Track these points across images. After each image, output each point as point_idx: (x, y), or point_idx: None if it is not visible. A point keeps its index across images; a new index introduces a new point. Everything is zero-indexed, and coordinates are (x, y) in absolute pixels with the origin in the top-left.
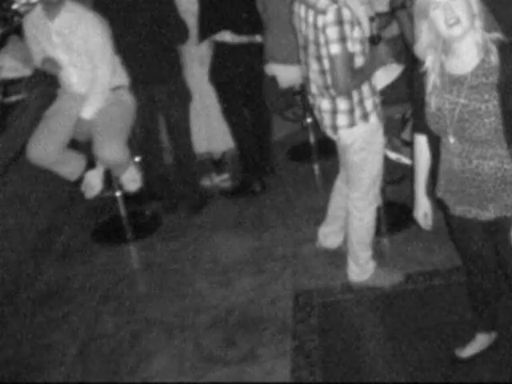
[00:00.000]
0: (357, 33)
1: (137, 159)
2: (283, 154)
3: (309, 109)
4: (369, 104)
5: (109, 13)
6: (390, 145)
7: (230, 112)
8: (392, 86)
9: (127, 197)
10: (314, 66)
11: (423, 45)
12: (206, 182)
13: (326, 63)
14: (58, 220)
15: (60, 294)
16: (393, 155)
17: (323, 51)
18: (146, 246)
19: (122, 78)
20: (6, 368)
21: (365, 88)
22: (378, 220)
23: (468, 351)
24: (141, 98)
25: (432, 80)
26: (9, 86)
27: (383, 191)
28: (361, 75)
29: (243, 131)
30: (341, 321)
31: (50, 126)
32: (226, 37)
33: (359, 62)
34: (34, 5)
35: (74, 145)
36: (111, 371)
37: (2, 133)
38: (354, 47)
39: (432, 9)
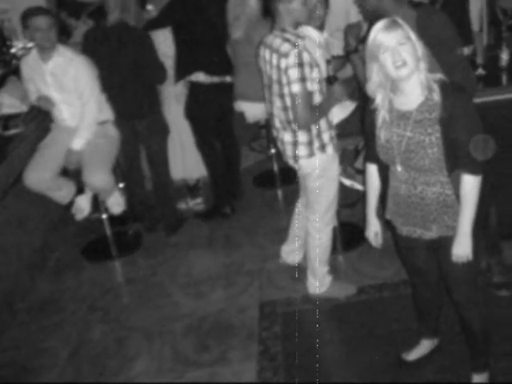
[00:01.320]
0: (315, 74)
1: (121, 185)
2: (250, 180)
3: (273, 141)
4: (326, 137)
5: (96, 56)
6: (345, 173)
7: (203, 144)
8: (346, 121)
9: (112, 218)
10: (278, 103)
11: (374, 84)
12: (181, 206)
13: (288, 100)
14: (52, 239)
15: (53, 304)
16: (347, 182)
17: (285, 90)
18: (129, 262)
19: (108, 114)
20: (6, 370)
21: (322, 122)
22: (334, 239)
23: (414, 355)
24: (124, 132)
25: (382, 115)
26: (8, 120)
27: (338, 213)
28: (319, 111)
29: (214, 160)
30: (301, 328)
31: (45, 155)
32: (200, 77)
33: (317, 99)
34: (30, 49)
35: (66, 172)
36: (98, 372)
37: (2, 161)
38: (313, 86)
39: (381, 52)
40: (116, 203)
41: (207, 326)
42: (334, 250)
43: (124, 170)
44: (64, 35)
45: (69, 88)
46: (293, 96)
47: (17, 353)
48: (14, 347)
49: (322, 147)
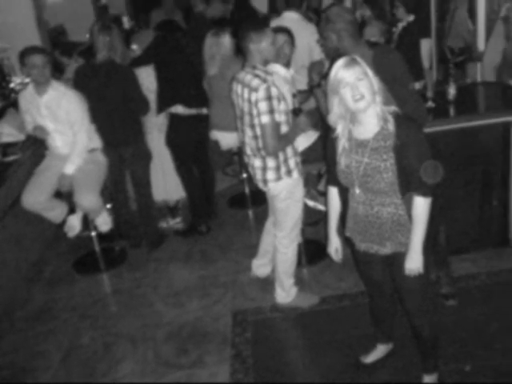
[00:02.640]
0: (282, 106)
1: (108, 206)
2: (224, 202)
3: (244, 166)
4: (292, 162)
5: (86, 90)
6: (309, 195)
7: (182, 169)
8: (310, 149)
9: (100, 236)
10: (249, 132)
11: (335, 116)
12: (163, 224)
13: (258, 130)
14: (46, 254)
15: (47, 312)
16: (311, 203)
17: (256, 121)
18: (116, 274)
19: (96, 142)
20: (6, 371)
21: (288, 150)
22: (299, 254)
23: (370, 358)
24: (111, 158)
25: (342, 143)
26: (7, 148)
27: (303, 231)
28: (285, 140)
29: (192, 184)
30: (270, 334)
31: (40, 179)
32: (179, 109)
33: (284, 129)
34: (26, 84)
35: (59, 194)
36: (88, 374)
37: (2, 185)
38: (280, 117)
39: (342, 87)
40: (104, 222)
41: (186, 333)
42: (299, 264)
43: (111, 192)
44: (57, 72)
45: (62, 119)
46: (262, 126)
47: (15, 356)
48: (13, 351)
49: (289, 172)
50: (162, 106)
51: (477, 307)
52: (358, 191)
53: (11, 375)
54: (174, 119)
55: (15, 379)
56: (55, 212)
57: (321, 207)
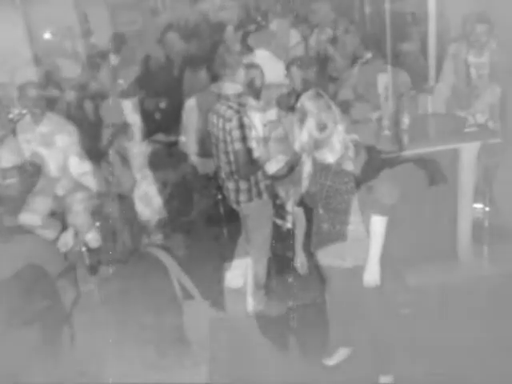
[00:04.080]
0: (253, 134)
1: (97, 224)
2: (202, 220)
3: (219, 188)
4: (262, 185)
5: (77, 120)
6: (277, 214)
7: (164, 190)
8: (278, 172)
9: (90, 251)
10: (223, 158)
11: (301, 143)
12: (146, 241)
13: (232, 156)
14: (40, 267)
15: (41, 319)
16: (279, 221)
17: (229, 147)
18: (105, 286)
19: (87, 166)
20: (3, 372)
21: (259, 174)
22: (269, 267)
23: (332, 360)
24: (99, 180)
25: (307, 168)
26: (6, 172)
27: (273, 247)
28: (256, 165)
29: (173, 204)
30: (243, 339)
31: (36, 201)
32: (161, 137)
33: (255, 155)
34: (24, 115)
35: (53, 214)
36: (79, 375)
37: (1, 206)
38: (252, 144)
39: (307, 117)
40: (93, 238)
41: (168, 338)
42: (268, 275)
43: (100, 211)
44: (51, 103)
45: (55, 145)
46: (235, 152)
47: (12, 359)
48: (9, 354)
49: (259, 194)
50: (146, 133)
51: (429, 315)
52: (321, 211)
53: (7, 377)
54: (156, 146)
55: (12, 380)
56: (50, 229)
57: (288, 225)
